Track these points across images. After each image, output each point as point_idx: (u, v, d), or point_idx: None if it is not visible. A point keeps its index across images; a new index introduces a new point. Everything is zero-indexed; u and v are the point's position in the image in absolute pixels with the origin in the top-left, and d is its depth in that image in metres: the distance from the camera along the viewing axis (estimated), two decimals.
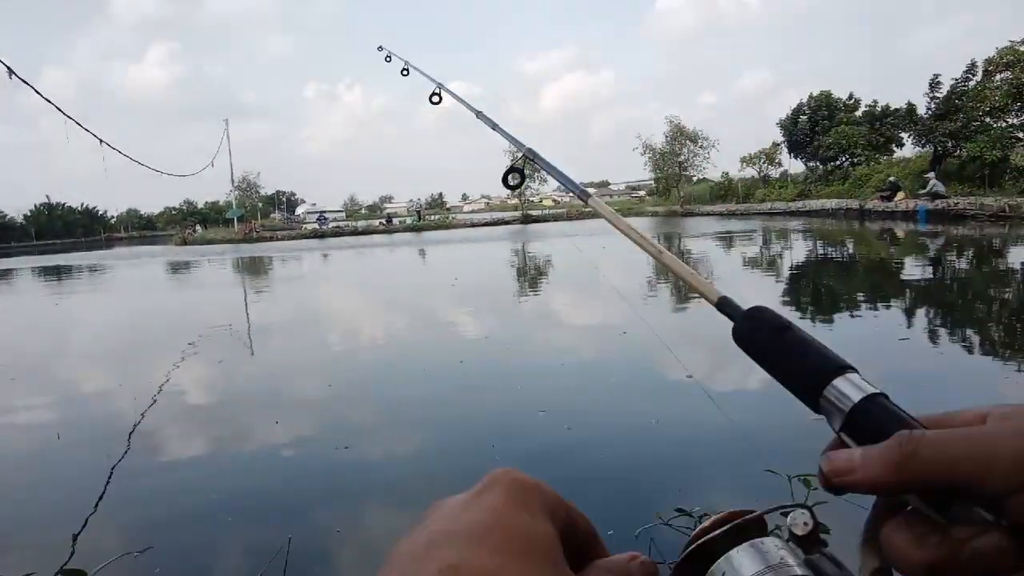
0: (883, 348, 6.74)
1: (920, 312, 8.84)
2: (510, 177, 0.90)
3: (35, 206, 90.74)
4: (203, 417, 5.94)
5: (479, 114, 1.44)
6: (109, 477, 4.47)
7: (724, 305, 0.49)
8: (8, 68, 12.40)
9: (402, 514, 3.78)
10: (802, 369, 0.41)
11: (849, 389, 0.38)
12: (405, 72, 2.20)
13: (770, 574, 0.36)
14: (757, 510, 0.41)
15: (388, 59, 2.40)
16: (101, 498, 4.15)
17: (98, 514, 3.93)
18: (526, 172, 0.90)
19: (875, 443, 0.35)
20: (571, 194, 0.80)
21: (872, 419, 0.36)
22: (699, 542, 0.39)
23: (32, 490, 4.48)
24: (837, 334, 7.51)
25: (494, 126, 1.32)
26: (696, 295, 0.50)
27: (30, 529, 3.89)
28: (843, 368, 0.39)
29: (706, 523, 0.41)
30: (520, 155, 0.90)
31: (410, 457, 4.68)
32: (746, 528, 0.41)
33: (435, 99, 1.78)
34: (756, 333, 0.45)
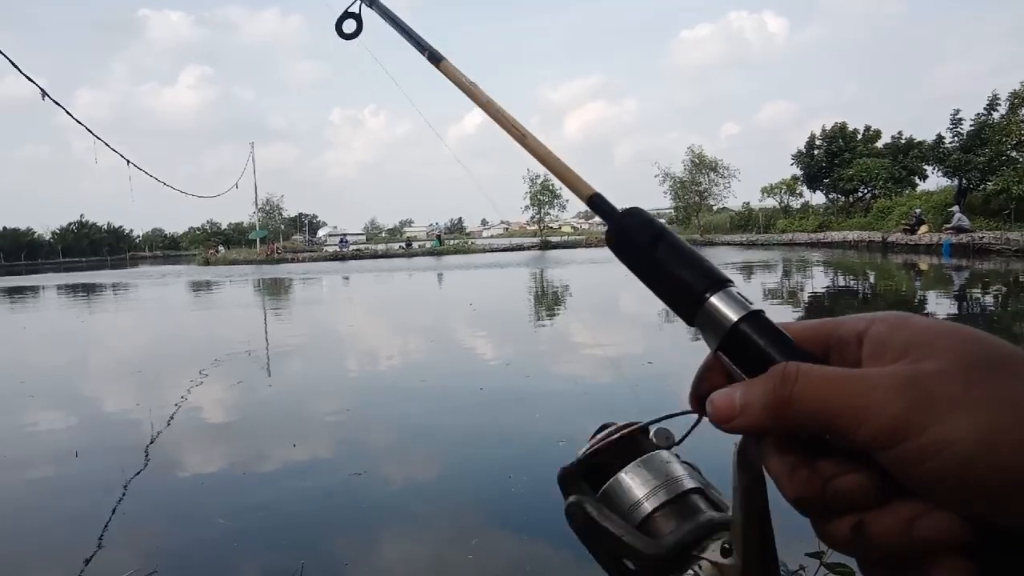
0: None
1: None
2: (345, 24, 0.78)
3: (62, 226, 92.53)
4: (219, 438, 5.94)
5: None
6: (122, 496, 4.47)
7: (597, 204, 0.44)
8: (41, 90, 12.71)
9: (415, 543, 3.73)
10: (679, 281, 0.38)
11: (727, 306, 0.36)
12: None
13: (663, 490, 0.38)
14: (643, 421, 0.41)
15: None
16: (112, 516, 4.14)
17: (111, 532, 3.92)
18: (363, 18, 0.77)
19: (752, 369, 0.34)
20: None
21: (751, 343, 0.34)
22: (591, 450, 0.40)
23: (47, 507, 4.49)
24: None
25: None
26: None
27: (42, 547, 3.88)
28: (721, 282, 0.37)
29: (599, 436, 0.42)
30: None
31: (425, 485, 4.64)
32: (638, 441, 0.42)
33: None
34: (632, 237, 0.41)
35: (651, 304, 14.60)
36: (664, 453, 0.42)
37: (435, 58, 0.62)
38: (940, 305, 12.65)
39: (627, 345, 9.74)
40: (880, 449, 0.29)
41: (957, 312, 11.62)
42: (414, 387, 7.49)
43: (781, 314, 11.78)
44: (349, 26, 0.78)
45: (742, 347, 0.35)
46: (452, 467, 4.91)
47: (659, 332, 10.75)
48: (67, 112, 11.41)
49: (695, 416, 0.38)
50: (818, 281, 18.79)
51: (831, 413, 0.30)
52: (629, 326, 11.96)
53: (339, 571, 3.36)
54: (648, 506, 0.41)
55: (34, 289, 30.59)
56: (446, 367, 8.49)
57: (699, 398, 0.37)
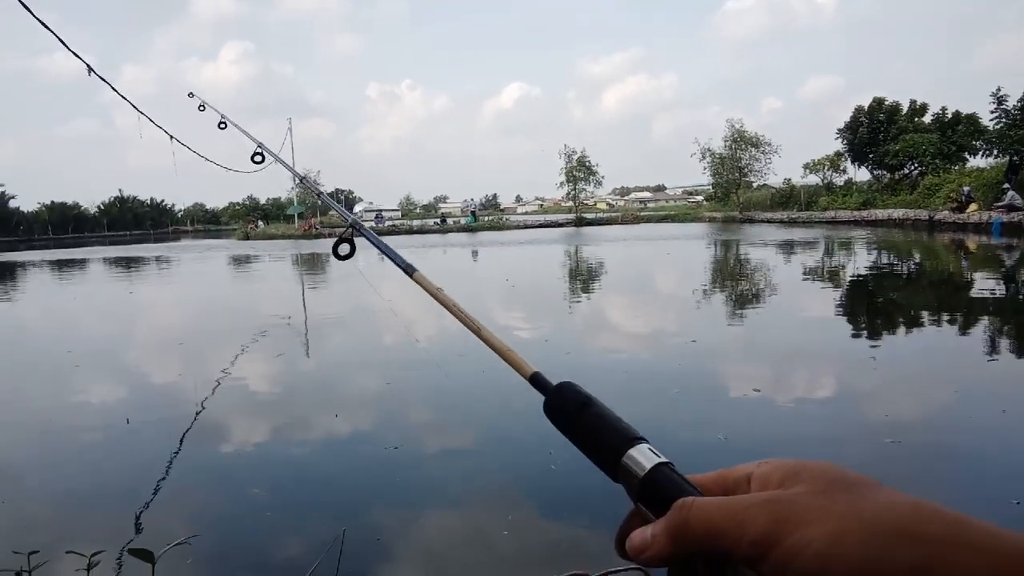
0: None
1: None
2: (340, 248, 0.93)
3: (108, 199, 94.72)
4: (262, 408, 6.08)
5: (303, 179, 1.52)
6: (170, 462, 4.61)
7: (536, 380, 0.52)
8: (88, 66, 12.95)
9: (452, 517, 3.79)
10: (600, 442, 0.45)
11: (641, 460, 0.42)
12: (223, 126, 2.14)
13: None
14: (592, 573, 0.46)
15: (202, 108, 2.32)
16: (162, 481, 4.28)
17: (159, 498, 4.05)
18: (354, 243, 0.94)
19: (664, 510, 0.39)
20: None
21: (660, 488, 0.41)
22: None
23: (98, 472, 4.65)
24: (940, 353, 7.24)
25: (319, 195, 1.37)
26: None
27: (93, 509, 4.03)
28: (635, 440, 0.43)
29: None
30: (347, 227, 0.94)
31: (463, 460, 4.69)
32: None
33: (257, 159, 1.78)
34: (562, 407, 0.48)
35: (692, 283, 14.46)
36: None
37: (410, 270, 0.80)
38: (986, 285, 12.28)
39: (669, 323, 9.67)
40: (758, 560, 0.34)
41: (1005, 293, 11.27)
42: (453, 361, 7.55)
43: (822, 298, 11.58)
44: (343, 249, 0.93)
45: (654, 494, 0.41)
46: (492, 442, 4.95)
47: (700, 311, 10.65)
48: (112, 87, 11.57)
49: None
50: (860, 260, 18.37)
51: (717, 531, 0.36)
52: (670, 304, 11.87)
53: (377, 541, 3.43)
54: None
55: (82, 262, 31.47)
56: (481, 344, 8.52)
57: (623, 544, 0.42)
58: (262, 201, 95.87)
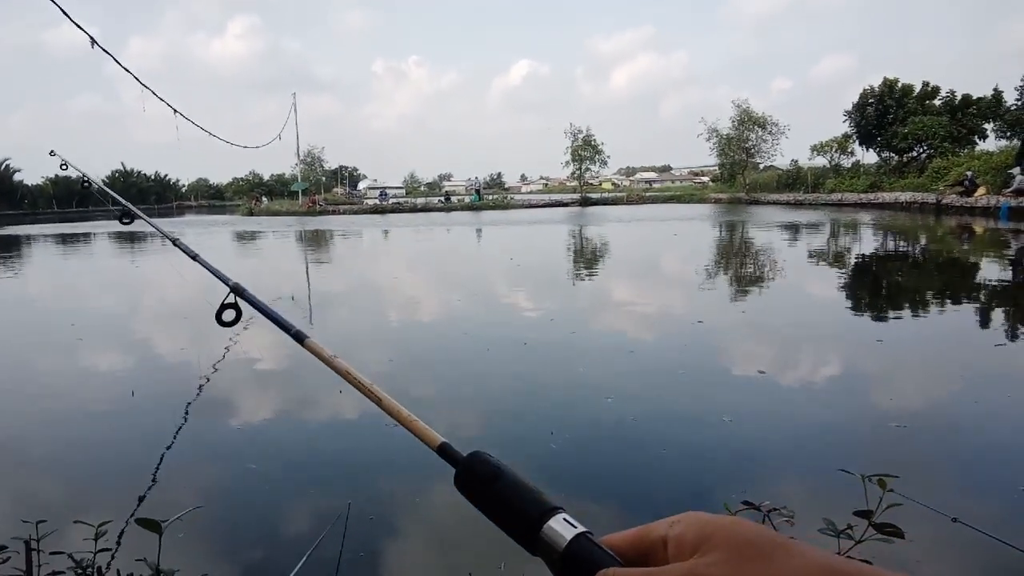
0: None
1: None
2: (224, 314, 0.88)
3: (112, 172, 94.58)
4: (264, 383, 6.10)
5: (175, 242, 1.44)
6: (175, 435, 4.64)
7: (444, 451, 0.50)
8: (91, 38, 12.85)
9: (450, 496, 3.80)
10: (514, 516, 0.43)
11: (560, 531, 0.41)
12: (86, 184, 2.26)
13: None
14: None
15: (64, 167, 2.45)
16: (168, 454, 4.31)
17: (165, 470, 4.08)
18: (240, 306, 0.88)
19: None
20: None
21: (581, 561, 0.40)
22: None
23: (104, 444, 4.68)
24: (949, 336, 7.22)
25: (194, 257, 1.28)
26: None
27: (101, 480, 4.07)
28: (553, 509, 0.42)
29: None
30: (229, 293, 0.88)
31: (465, 438, 4.70)
32: None
33: (125, 221, 1.64)
34: (472, 480, 0.46)
35: (697, 264, 14.43)
36: None
37: (299, 337, 0.74)
38: (992, 270, 12.23)
39: (675, 304, 9.66)
40: None
41: (1011, 279, 11.22)
42: (457, 339, 7.56)
43: (823, 281, 11.55)
44: (228, 315, 0.87)
45: (576, 567, 0.40)
46: (494, 421, 4.97)
47: (706, 292, 10.64)
48: (115, 60, 11.49)
49: None
50: (866, 244, 18.30)
51: None
52: (675, 285, 11.85)
53: (380, 516, 3.46)
54: None
55: (87, 235, 31.50)
56: (489, 320, 8.53)
57: None
58: (266, 177, 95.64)
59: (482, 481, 0.45)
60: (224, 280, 0.92)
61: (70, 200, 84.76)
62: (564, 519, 0.42)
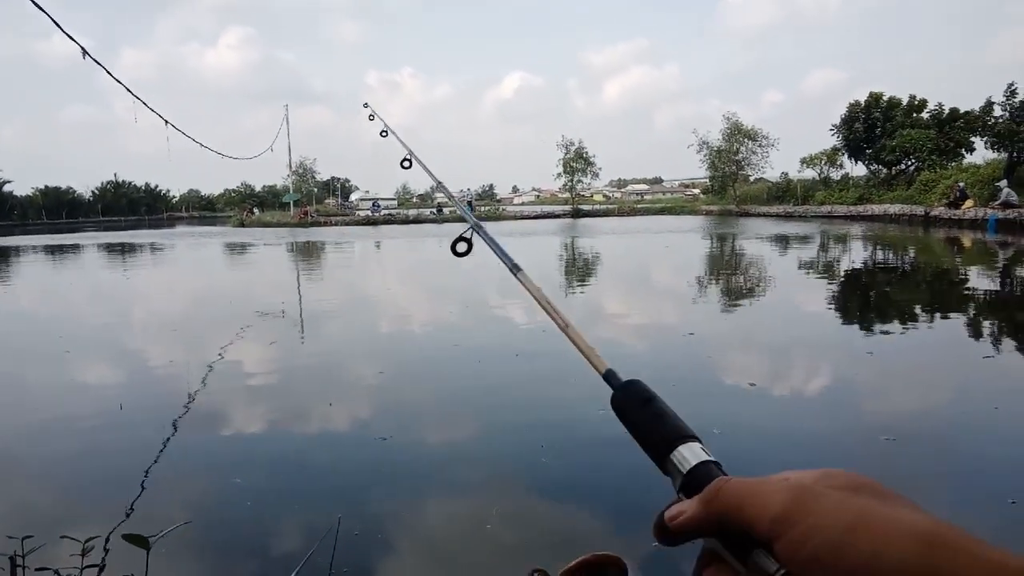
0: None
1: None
2: (458, 246, 1.00)
3: (101, 183, 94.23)
4: (253, 396, 6.06)
5: (439, 184, 1.68)
6: (163, 449, 4.60)
7: (609, 376, 0.55)
8: (82, 48, 12.83)
9: (434, 510, 3.79)
10: (655, 436, 0.47)
11: (688, 456, 0.45)
12: (384, 134, 2.34)
13: None
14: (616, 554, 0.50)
15: (371, 118, 2.58)
16: (156, 468, 4.27)
17: (153, 485, 4.04)
18: (472, 242, 1.02)
19: None
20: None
21: (703, 483, 0.43)
22: None
23: (93, 458, 4.64)
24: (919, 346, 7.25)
25: (451, 196, 1.50)
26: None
27: (88, 495, 4.02)
28: (687, 437, 0.46)
29: (571, 563, 0.49)
30: (468, 228, 1.02)
31: (453, 453, 4.69)
32: (606, 570, 0.50)
33: (406, 164, 1.91)
34: (626, 401, 0.51)
35: (689, 276, 14.47)
36: None
37: (516, 268, 0.84)
38: (980, 282, 12.32)
39: (666, 316, 9.68)
40: (776, 538, 0.36)
41: (999, 289, 11.31)
42: (449, 352, 7.54)
43: (813, 293, 11.60)
44: (462, 246, 1.00)
45: (697, 487, 0.43)
46: (483, 434, 4.95)
47: (697, 305, 10.67)
48: (107, 71, 11.48)
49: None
50: (856, 256, 18.42)
51: (743, 503, 0.38)
52: (667, 297, 11.88)
53: (371, 531, 3.43)
54: None
55: (76, 247, 31.33)
56: (481, 332, 8.52)
57: (660, 528, 0.44)
58: (257, 188, 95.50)
59: (635, 403, 0.50)
60: (469, 217, 1.07)
61: (59, 211, 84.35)
62: (700, 448, 0.46)
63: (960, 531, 0.34)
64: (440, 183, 1.71)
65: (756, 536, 0.37)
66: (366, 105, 2.60)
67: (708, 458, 0.45)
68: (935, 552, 0.32)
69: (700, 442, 0.46)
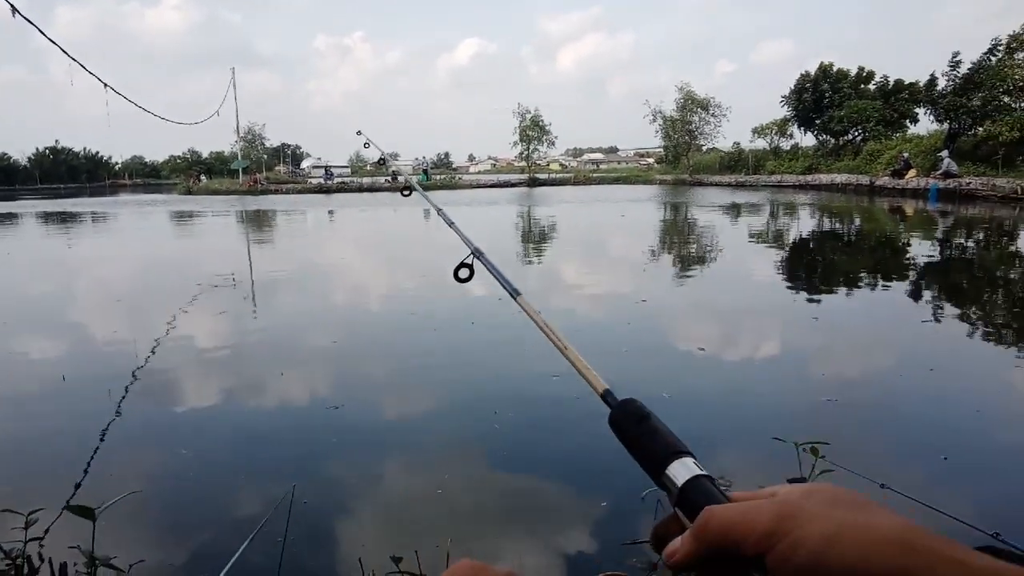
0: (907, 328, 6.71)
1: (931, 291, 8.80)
2: (460, 272, 1.04)
3: (38, 149, 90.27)
4: (204, 365, 5.96)
5: (439, 211, 1.71)
6: (111, 420, 4.50)
7: (606, 395, 0.58)
8: (12, 6, 12.17)
9: (387, 477, 3.81)
10: (650, 452, 0.50)
11: (682, 471, 0.47)
12: (382, 162, 2.57)
13: None
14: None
15: (366, 145, 2.67)
16: (103, 439, 4.18)
17: (100, 456, 3.96)
18: (474, 268, 1.06)
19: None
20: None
21: (697, 498, 0.45)
22: None
23: (36, 430, 4.51)
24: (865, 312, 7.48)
25: (450, 224, 1.55)
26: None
27: (31, 468, 3.92)
28: (680, 453, 0.48)
29: None
30: (469, 254, 1.07)
31: (406, 420, 4.70)
32: None
33: (405, 193, 2.15)
34: (624, 420, 0.54)
35: (643, 244, 14.63)
36: None
37: (516, 292, 0.90)
38: (921, 249, 12.76)
39: (619, 284, 9.78)
40: (764, 553, 0.39)
41: (938, 256, 11.74)
42: (404, 320, 7.51)
43: (762, 261, 11.86)
44: (463, 273, 1.05)
45: (691, 502, 0.45)
46: (438, 401, 4.96)
47: (651, 272, 10.81)
48: (39, 30, 10.95)
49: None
50: (803, 224, 18.85)
51: (731, 528, 0.40)
52: (621, 265, 12.00)
53: (330, 493, 3.43)
54: None
55: (12, 216, 30.04)
56: (437, 301, 8.49)
57: (657, 538, 0.47)
58: (204, 155, 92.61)
59: (631, 421, 0.53)
60: (469, 243, 1.13)
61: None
62: (692, 462, 0.47)
63: (930, 534, 0.37)
64: (439, 209, 1.76)
65: (745, 555, 0.40)
66: (359, 132, 2.87)
67: (700, 472, 0.47)
68: (908, 554, 0.35)
69: (693, 456, 0.48)
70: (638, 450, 0.51)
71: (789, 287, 9.28)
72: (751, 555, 0.39)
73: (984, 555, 0.35)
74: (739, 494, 0.46)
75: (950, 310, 7.63)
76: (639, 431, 0.52)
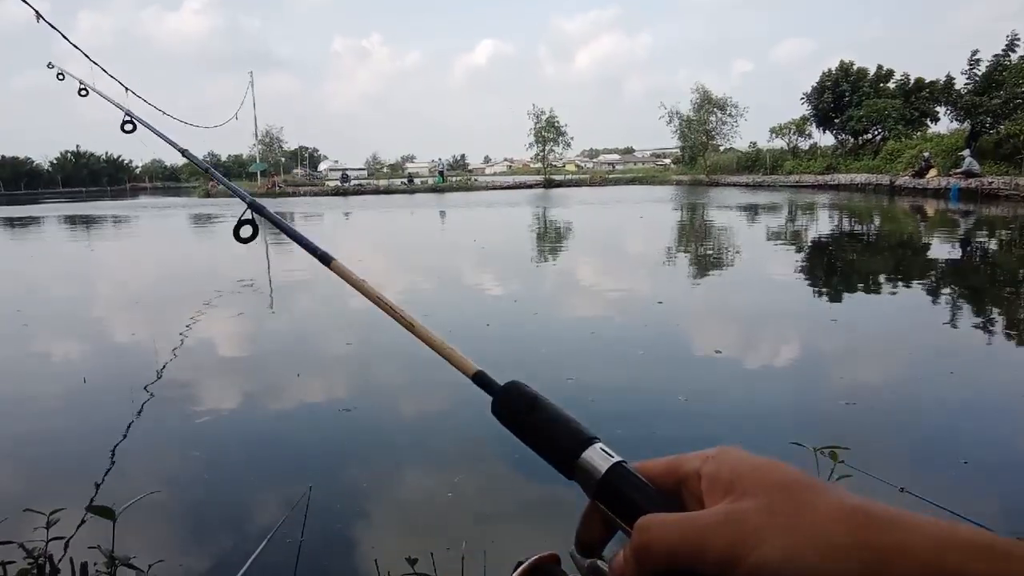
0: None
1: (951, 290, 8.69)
2: (242, 231, 0.89)
3: (61, 153, 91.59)
4: (222, 368, 6.01)
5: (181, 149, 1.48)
6: (131, 422, 4.56)
7: (480, 379, 0.51)
8: (36, 12, 12.34)
9: (402, 480, 3.82)
10: (554, 443, 0.45)
11: (598, 460, 0.43)
12: (83, 92, 2.15)
13: None
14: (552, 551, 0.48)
15: (60, 77, 2.42)
16: (123, 440, 4.23)
17: (120, 457, 4.01)
18: (256, 222, 0.90)
19: (621, 511, 0.42)
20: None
21: (616, 488, 0.42)
22: None
23: (57, 431, 4.58)
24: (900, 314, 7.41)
25: (226, 185, 1.18)
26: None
27: (52, 469, 3.98)
28: (590, 440, 0.44)
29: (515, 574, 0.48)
30: (246, 209, 0.90)
31: (420, 422, 4.71)
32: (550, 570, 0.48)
33: (127, 127, 1.71)
34: (509, 409, 0.48)
35: (660, 246, 14.57)
36: None
37: (327, 258, 0.73)
38: (942, 250, 12.60)
39: (636, 286, 9.75)
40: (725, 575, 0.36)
41: (959, 257, 11.59)
42: (420, 320, 7.52)
43: (780, 262, 11.75)
44: (246, 231, 0.89)
45: (612, 494, 0.42)
46: (453, 404, 4.97)
47: (667, 274, 10.76)
48: (62, 35, 11.11)
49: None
50: (823, 225, 18.68)
51: (678, 552, 0.37)
52: (637, 266, 11.95)
53: (346, 493, 3.45)
54: None
55: (36, 219, 30.50)
56: (452, 303, 8.51)
57: (582, 543, 0.45)
58: (223, 158, 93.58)
59: (519, 410, 0.47)
60: (242, 196, 0.94)
61: (17, 182, 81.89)
62: (601, 448, 0.44)
63: (886, 516, 0.35)
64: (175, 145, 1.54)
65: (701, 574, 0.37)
66: (50, 64, 2.51)
67: (615, 459, 0.43)
68: (870, 554, 0.34)
69: (600, 441, 0.45)
70: (538, 439, 0.46)
71: (807, 289, 9.20)
72: (708, 574, 0.37)
73: (950, 528, 0.33)
74: (644, 464, 0.44)
75: (970, 312, 7.53)
76: (533, 419, 0.47)
